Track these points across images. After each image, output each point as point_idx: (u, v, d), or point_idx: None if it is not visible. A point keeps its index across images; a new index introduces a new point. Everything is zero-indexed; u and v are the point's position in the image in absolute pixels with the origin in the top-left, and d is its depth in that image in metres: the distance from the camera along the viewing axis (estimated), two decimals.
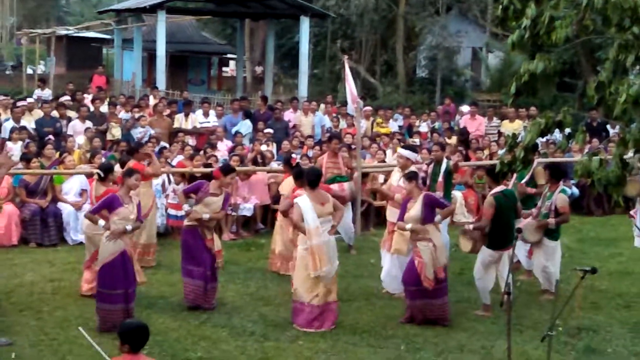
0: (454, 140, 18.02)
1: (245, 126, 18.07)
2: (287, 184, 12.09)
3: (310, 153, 15.90)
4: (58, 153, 14.34)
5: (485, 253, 10.30)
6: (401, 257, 10.73)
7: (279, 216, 12.04)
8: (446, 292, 10.08)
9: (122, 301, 9.40)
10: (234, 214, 14.33)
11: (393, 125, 19.67)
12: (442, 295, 9.99)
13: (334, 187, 11.98)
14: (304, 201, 9.77)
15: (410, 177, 10.21)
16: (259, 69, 41.54)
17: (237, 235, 14.46)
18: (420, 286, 9.85)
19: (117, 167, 12.04)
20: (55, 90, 23.88)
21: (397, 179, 11.37)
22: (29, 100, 18.48)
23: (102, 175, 10.82)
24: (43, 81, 22.92)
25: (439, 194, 12.20)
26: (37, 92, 21.39)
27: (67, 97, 19.48)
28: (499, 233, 10.02)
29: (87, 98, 19.61)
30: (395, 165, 12.15)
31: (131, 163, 11.94)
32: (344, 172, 13.17)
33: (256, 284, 11.47)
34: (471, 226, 10.46)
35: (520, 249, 11.53)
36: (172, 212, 13.91)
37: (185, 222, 10.55)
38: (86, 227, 10.70)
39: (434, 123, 20.00)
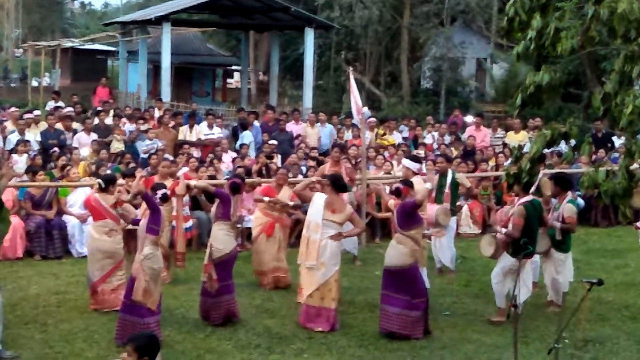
0: (455, 151, 18.00)
1: (247, 137, 18.15)
2: (288, 192, 12.31)
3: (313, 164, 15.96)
4: (62, 165, 14.35)
5: (507, 260, 10.29)
6: None
7: (278, 228, 12.08)
8: (420, 308, 9.89)
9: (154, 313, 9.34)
10: (238, 226, 14.30)
11: (397, 137, 19.63)
12: (414, 309, 9.86)
13: None
14: (319, 198, 10.24)
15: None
16: (262, 77, 41.79)
17: (242, 247, 14.40)
18: (390, 291, 9.90)
19: (120, 180, 12.00)
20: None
21: None
22: (36, 112, 18.53)
23: (102, 185, 10.76)
24: (57, 93, 22.95)
25: (446, 205, 12.24)
26: (51, 104, 21.45)
27: (71, 109, 19.54)
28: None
29: (96, 110, 19.72)
30: (400, 176, 12.22)
31: (156, 178, 11.86)
32: (346, 181, 13.11)
33: (261, 297, 11.44)
34: (503, 230, 10.42)
35: (527, 262, 11.48)
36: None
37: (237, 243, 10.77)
38: (111, 243, 10.62)
39: (443, 136, 19.81)
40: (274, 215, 12.12)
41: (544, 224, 10.71)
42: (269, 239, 12.03)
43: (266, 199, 12.12)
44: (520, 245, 9.52)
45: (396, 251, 9.92)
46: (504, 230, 10.52)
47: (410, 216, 10.02)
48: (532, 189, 11.87)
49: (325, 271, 10.07)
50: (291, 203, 12.18)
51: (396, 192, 10.27)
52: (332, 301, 10.12)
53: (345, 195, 11.83)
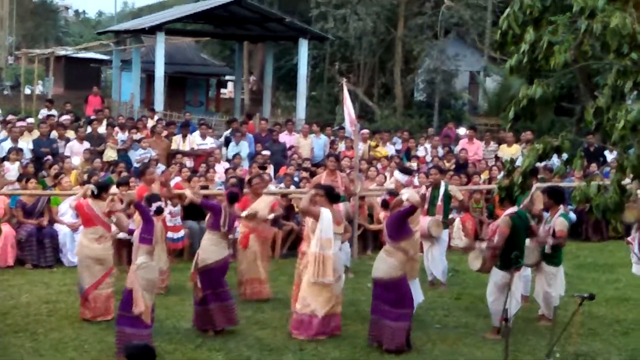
0: (447, 164, 18.04)
1: (244, 147, 18.16)
2: (263, 201, 12.27)
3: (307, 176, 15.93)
4: (55, 174, 14.33)
5: (497, 275, 10.27)
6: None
7: (253, 239, 12.04)
8: (406, 319, 9.80)
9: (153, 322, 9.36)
10: (230, 236, 14.25)
11: (389, 148, 19.68)
12: (400, 320, 9.77)
13: None
14: (327, 213, 10.18)
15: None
16: (252, 80, 41.86)
17: (234, 257, 14.37)
18: (379, 302, 9.88)
19: (113, 189, 11.97)
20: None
21: None
22: (29, 120, 18.52)
23: (95, 192, 10.71)
24: (51, 101, 22.97)
25: (438, 217, 12.24)
26: (44, 112, 21.45)
27: (67, 117, 19.53)
28: (511, 253, 9.95)
29: (90, 119, 19.74)
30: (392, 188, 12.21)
31: (139, 185, 11.79)
32: (342, 192, 13.11)
33: (252, 308, 11.40)
34: (484, 245, 10.42)
35: (516, 274, 11.46)
36: (168, 234, 13.80)
37: (228, 253, 10.65)
38: (102, 250, 10.59)
39: (436, 148, 19.82)
40: (249, 226, 12.10)
41: (532, 234, 10.71)
42: (244, 249, 12.02)
43: (243, 213, 12.04)
44: (511, 259, 9.52)
45: (385, 264, 9.87)
46: (483, 245, 10.53)
47: (400, 226, 9.99)
48: (525, 202, 11.90)
49: (340, 282, 10.32)
50: (271, 216, 12.12)
51: (383, 204, 10.28)
52: (340, 306, 10.43)
53: (341, 206, 11.83)
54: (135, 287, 9.10)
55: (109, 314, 10.46)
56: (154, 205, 9.70)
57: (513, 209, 10.38)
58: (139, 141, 17.34)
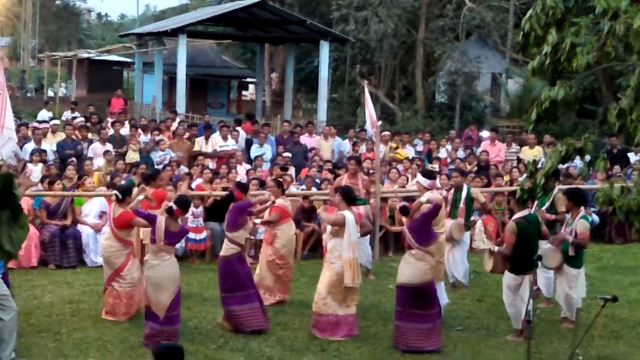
0: (469, 166, 18.01)
1: (268, 150, 18.26)
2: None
3: (329, 177, 15.94)
4: (77, 175, 14.43)
5: (509, 278, 10.26)
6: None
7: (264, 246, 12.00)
8: (435, 319, 9.82)
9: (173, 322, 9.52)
10: (252, 237, 14.31)
11: (409, 150, 19.65)
12: (429, 321, 9.79)
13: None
14: (350, 216, 10.12)
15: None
16: (273, 77, 41.99)
17: (255, 258, 14.42)
18: (406, 308, 9.81)
19: (135, 190, 12.03)
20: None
21: None
22: (54, 122, 18.66)
23: (119, 196, 10.78)
24: (75, 104, 23.15)
25: (460, 220, 12.23)
26: (67, 114, 21.62)
27: (82, 119, 19.71)
28: (521, 258, 9.95)
29: (109, 121, 19.87)
30: (415, 190, 12.23)
31: (149, 191, 11.82)
32: (363, 194, 13.13)
33: (274, 308, 11.41)
34: (496, 249, 10.41)
35: (541, 277, 11.45)
36: (190, 235, 13.88)
37: (229, 252, 10.40)
38: (104, 250, 10.76)
39: (456, 150, 19.78)
40: None
41: (545, 237, 10.67)
42: None
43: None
44: (522, 262, 9.55)
45: (416, 269, 9.78)
46: (496, 248, 10.51)
47: (427, 229, 9.94)
48: (547, 205, 11.87)
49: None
50: (258, 221, 12.03)
51: (403, 211, 10.13)
52: None
53: (362, 208, 11.82)
54: (142, 282, 9.66)
55: (116, 315, 10.52)
56: (167, 205, 9.86)
57: (521, 214, 10.32)
58: (158, 143, 17.43)
